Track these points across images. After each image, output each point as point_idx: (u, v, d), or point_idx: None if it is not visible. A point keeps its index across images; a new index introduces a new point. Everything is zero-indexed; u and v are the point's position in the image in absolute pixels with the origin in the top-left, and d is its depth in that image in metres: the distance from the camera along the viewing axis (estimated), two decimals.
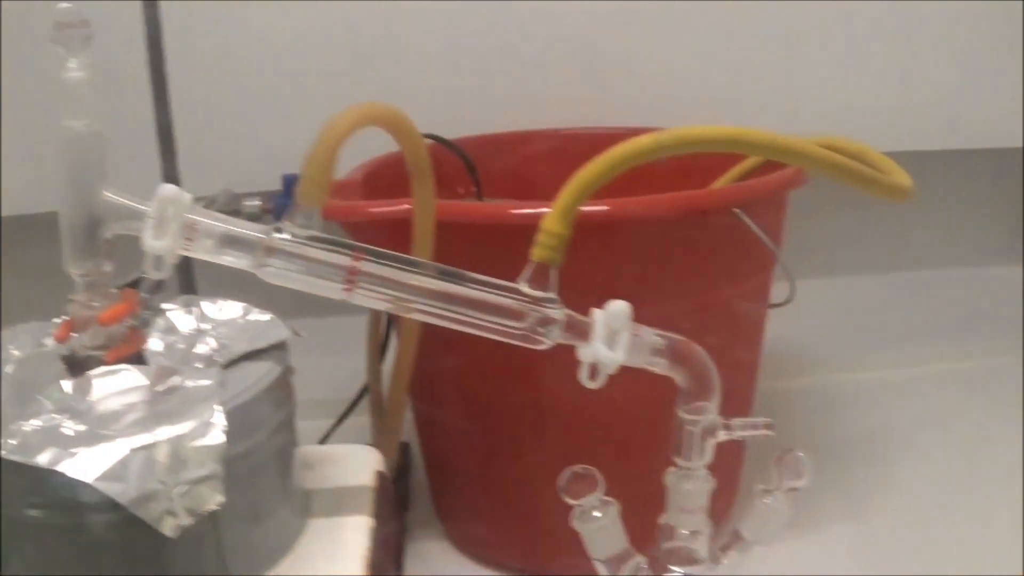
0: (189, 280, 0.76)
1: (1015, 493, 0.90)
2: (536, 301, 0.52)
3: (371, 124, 0.57)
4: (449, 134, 0.92)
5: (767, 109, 0.89)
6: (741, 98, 1.06)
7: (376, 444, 0.77)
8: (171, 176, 0.79)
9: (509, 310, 0.52)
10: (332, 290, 0.52)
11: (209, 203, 0.74)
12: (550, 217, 0.52)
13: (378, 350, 0.86)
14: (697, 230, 0.69)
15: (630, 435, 0.61)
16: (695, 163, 0.67)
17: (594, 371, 0.53)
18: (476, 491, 0.82)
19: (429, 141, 0.85)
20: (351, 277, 0.51)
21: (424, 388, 0.81)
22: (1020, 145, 1.17)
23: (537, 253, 0.52)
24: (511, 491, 0.77)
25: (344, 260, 0.51)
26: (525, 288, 0.52)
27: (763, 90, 1.07)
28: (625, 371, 0.54)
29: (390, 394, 0.74)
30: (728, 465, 0.76)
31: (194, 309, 0.58)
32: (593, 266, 0.66)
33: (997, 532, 0.85)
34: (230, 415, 0.48)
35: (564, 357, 0.53)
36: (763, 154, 0.56)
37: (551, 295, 0.53)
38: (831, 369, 1.19)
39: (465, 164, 0.88)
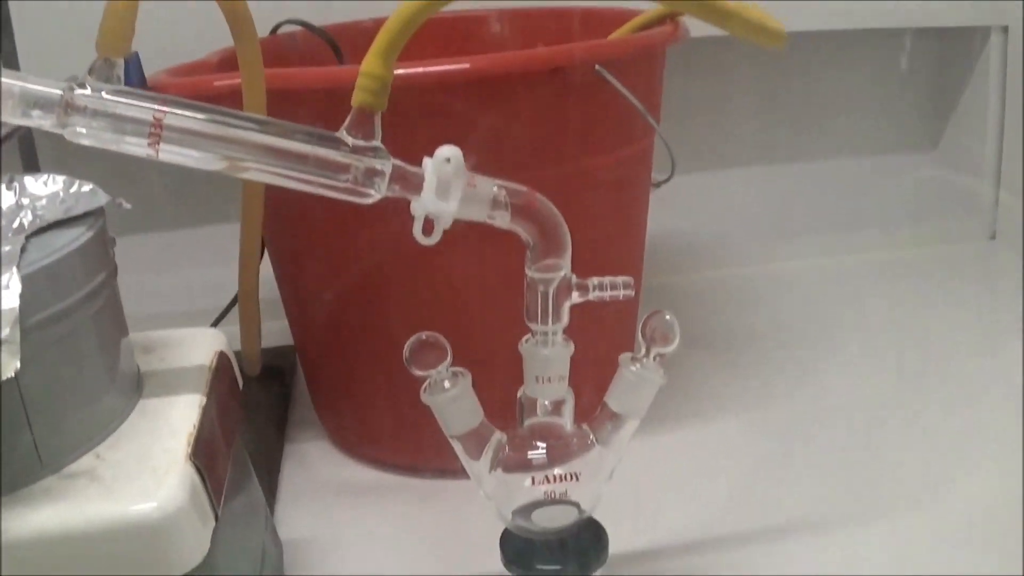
0: (32, 156, 0.72)
1: (923, 380, 0.89)
2: (359, 151, 0.48)
3: None
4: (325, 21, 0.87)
5: None
6: None
7: (242, 344, 0.74)
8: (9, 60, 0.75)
9: (332, 163, 0.48)
10: (138, 147, 0.47)
11: None
12: (369, 59, 0.48)
13: None
14: (559, 90, 0.65)
15: (511, 316, 0.57)
16: None
17: (429, 226, 0.49)
18: (349, 385, 0.79)
19: (298, 28, 0.81)
20: (155, 131, 0.47)
21: (289, 284, 0.79)
22: (933, 25, 1.14)
23: (357, 97, 0.48)
24: (381, 382, 0.75)
25: (147, 114, 0.47)
26: (347, 138, 0.48)
27: None
28: (493, 241, 0.52)
29: (240, 277, 0.70)
30: (617, 341, 0.72)
31: (15, 185, 0.54)
32: (451, 130, 0.62)
33: (901, 418, 0.83)
34: (30, 278, 0.45)
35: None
36: None
37: (376, 144, 0.48)
38: (741, 262, 1.17)
39: (332, 49, 0.84)
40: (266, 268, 0.80)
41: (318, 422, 0.86)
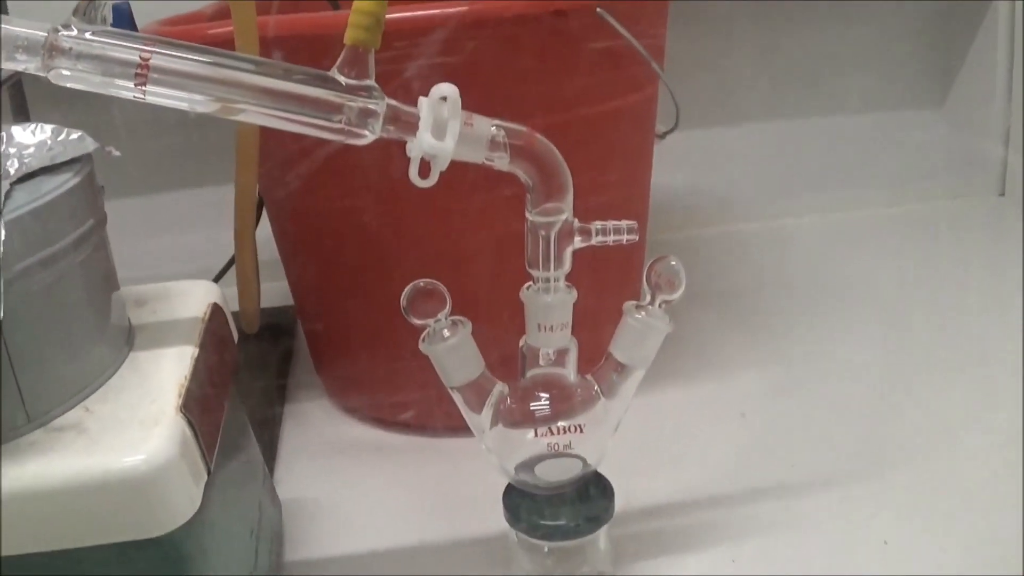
0: (22, 107, 0.71)
1: (930, 336, 0.88)
2: (353, 90, 0.46)
3: None
4: None
5: None
6: None
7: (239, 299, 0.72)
8: None
9: (324, 102, 0.46)
10: (124, 90, 0.46)
11: None
12: None
13: None
14: (560, 34, 0.64)
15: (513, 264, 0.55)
16: None
17: (426, 169, 0.47)
18: (349, 343, 0.78)
19: None
20: (142, 72, 0.45)
21: (286, 239, 0.78)
22: None
23: (350, 34, 0.46)
24: (380, 339, 0.74)
25: (133, 54, 0.45)
26: (340, 77, 0.46)
27: None
28: (494, 187, 0.50)
29: (235, 228, 0.69)
30: (623, 290, 0.71)
31: (2, 134, 0.52)
32: (448, 77, 0.60)
33: (909, 374, 0.82)
34: (13, 224, 0.44)
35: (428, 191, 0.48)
36: None
37: (369, 83, 0.46)
38: (747, 218, 1.16)
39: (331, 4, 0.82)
40: (268, 231, 0.78)
41: (319, 381, 0.85)
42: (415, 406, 0.74)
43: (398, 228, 0.67)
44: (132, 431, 0.45)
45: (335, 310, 0.76)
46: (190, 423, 0.46)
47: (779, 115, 1.23)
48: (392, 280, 0.64)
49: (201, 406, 0.49)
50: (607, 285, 0.61)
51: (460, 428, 0.56)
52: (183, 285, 0.59)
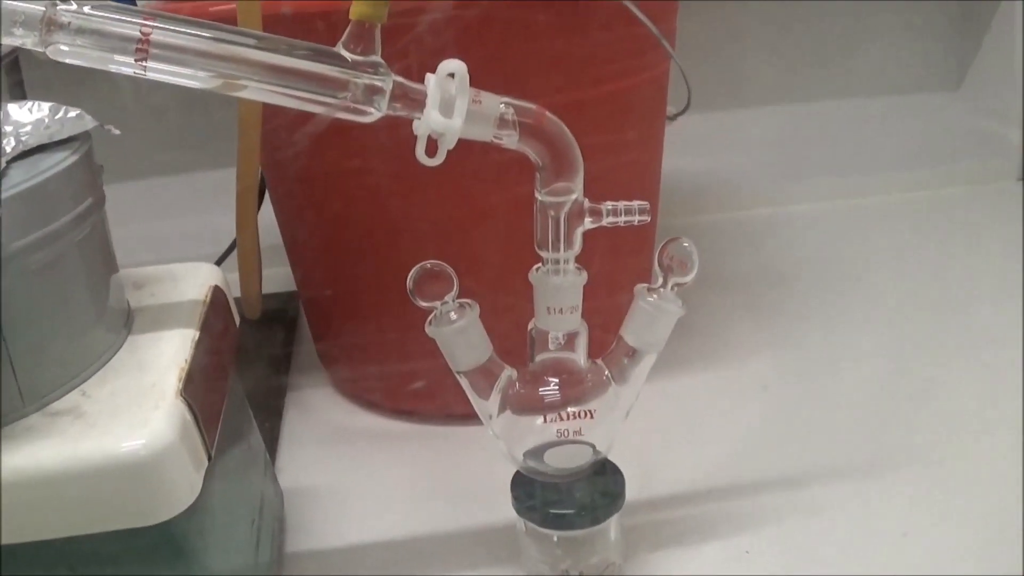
0: (19, 85, 0.70)
1: (945, 323, 0.86)
2: (358, 67, 0.45)
3: None
4: None
5: None
6: None
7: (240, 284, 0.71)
8: None
9: (330, 79, 0.45)
10: (125, 66, 0.44)
11: None
12: None
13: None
14: (569, 13, 0.62)
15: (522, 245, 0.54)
16: None
17: (433, 147, 0.46)
18: (352, 328, 0.77)
19: None
20: (142, 47, 0.44)
21: (289, 221, 0.76)
22: None
23: (355, 10, 0.45)
24: (384, 325, 0.72)
25: (133, 29, 0.44)
26: (345, 53, 0.45)
27: None
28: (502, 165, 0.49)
29: (237, 208, 0.67)
30: (634, 272, 0.69)
31: None
32: (459, 56, 0.59)
33: (923, 362, 0.81)
34: (10, 202, 0.43)
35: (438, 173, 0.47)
36: None
37: (375, 59, 0.45)
38: (760, 203, 1.15)
39: None
40: (271, 219, 0.77)
41: (322, 368, 0.84)
42: (420, 393, 0.73)
43: (404, 194, 0.66)
44: (131, 415, 0.44)
45: (338, 295, 0.75)
46: (190, 407, 0.45)
47: (793, 98, 1.21)
48: (398, 250, 0.63)
49: (202, 390, 0.48)
50: (617, 269, 0.59)
51: (465, 416, 0.54)
52: (184, 267, 0.58)
